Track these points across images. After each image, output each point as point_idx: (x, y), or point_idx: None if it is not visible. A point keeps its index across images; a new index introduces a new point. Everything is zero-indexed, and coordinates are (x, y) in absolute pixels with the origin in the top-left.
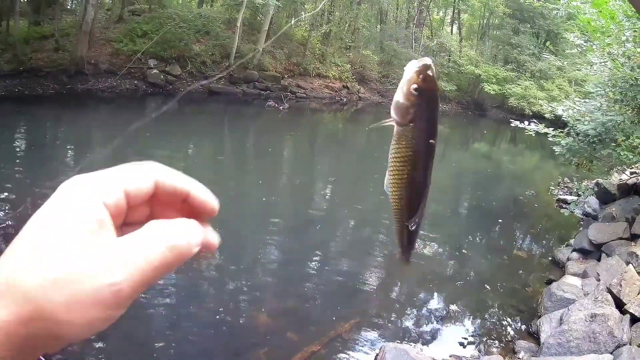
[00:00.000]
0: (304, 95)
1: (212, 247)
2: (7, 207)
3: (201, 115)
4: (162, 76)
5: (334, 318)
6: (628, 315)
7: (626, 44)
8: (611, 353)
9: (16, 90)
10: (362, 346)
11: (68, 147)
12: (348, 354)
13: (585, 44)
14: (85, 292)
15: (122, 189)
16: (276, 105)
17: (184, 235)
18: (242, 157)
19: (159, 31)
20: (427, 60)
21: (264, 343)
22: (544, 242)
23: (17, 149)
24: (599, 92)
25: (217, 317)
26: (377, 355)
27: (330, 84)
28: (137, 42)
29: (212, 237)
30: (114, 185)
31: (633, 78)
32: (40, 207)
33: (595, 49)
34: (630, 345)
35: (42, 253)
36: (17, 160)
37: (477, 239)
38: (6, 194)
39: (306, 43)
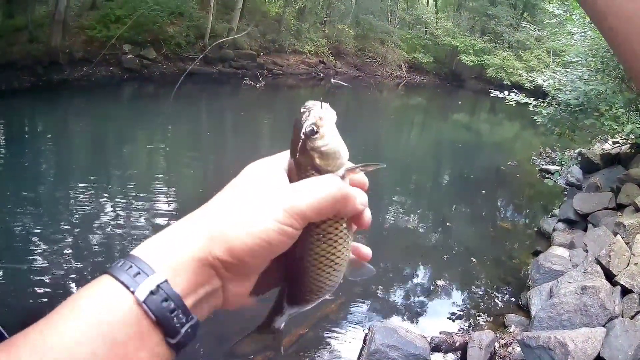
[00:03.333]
0: (281, 72)
1: (365, 222)
2: None
3: (177, 97)
4: (137, 61)
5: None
6: (619, 287)
7: None
8: (604, 326)
9: None
10: (351, 326)
11: (47, 139)
12: (336, 335)
13: (564, 13)
14: (257, 229)
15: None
16: (252, 83)
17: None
18: (220, 136)
19: (133, 15)
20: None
21: (251, 327)
22: (529, 212)
23: None
24: (580, 62)
25: None
26: (366, 335)
27: (306, 60)
28: (110, 28)
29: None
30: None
31: None
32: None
33: (575, 19)
34: (622, 317)
35: (235, 205)
36: None
37: (460, 210)
38: None
39: (281, 19)
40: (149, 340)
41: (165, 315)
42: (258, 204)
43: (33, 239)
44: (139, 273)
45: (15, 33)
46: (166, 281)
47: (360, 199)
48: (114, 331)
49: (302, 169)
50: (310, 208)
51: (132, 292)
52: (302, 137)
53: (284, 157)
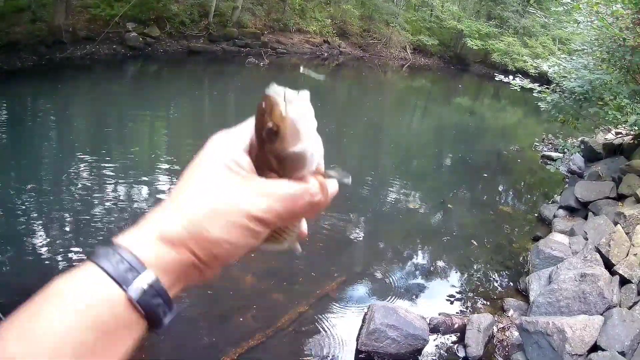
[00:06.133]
0: (285, 51)
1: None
2: None
3: (181, 75)
4: (140, 39)
5: (320, 277)
6: (617, 277)
7: (614, 5)
8: (602, 314)
9: None
10: (350, 305)
11: (49, 118)
12: (336, 314)
13: (572, 2)
14: (234, 218)
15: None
16: (256, 61)
17: (318, 184)
18: (223, 115)
19: None
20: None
21: (251, 305)
22: (530, 197)
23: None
24: (586, 51)
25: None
26: (365, 314)
27: (310, 39)
28: (114, 7)
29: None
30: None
31: (621, 38)
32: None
33: (582, 8)
34: (620, 307)
35: (204, 189)
36: None
37: (462, 193)
38: None
39: None
40: (135, 330)
41: (153, 310)
42: (230, 207)
43: (34, 219)
44: (130, 269)
45: (18, 13)
46: (157, 279)
47: (323, 205)
48: (104, 322)
49: (261, 165)
50: (280, 219)
51: (125, 290)
52: (262, 135)
53: (248, 131)
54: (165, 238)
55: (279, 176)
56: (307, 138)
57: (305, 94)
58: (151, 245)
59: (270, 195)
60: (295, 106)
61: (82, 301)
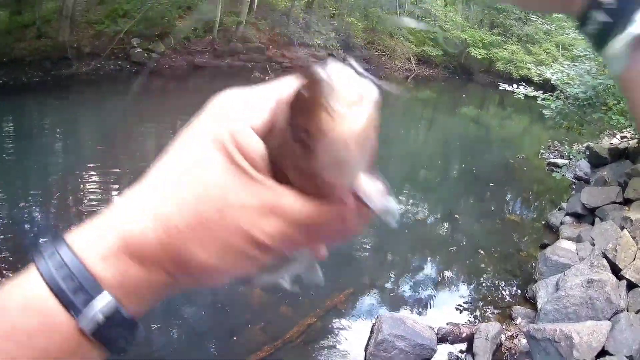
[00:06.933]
0: (290, 65)
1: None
2: None
3: (186, 90)
4: (145, 54)
5: (328, 289)
6: (625, 281)
7: None
8: (609, 319)
9: (0, 81)
10: (358, 316)
11: (55, 133)
12: (344, 325)
13: None
14: (228, 239)
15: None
16: (262, 76)
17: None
18: None
19: (141, 9)
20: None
21: (260, 319)
22: (537, 205)
23: (6, 140)
24: (588, 56)
25: (211, 295)
26: (373, 325)
27: (315, 53)
28: (119, 23)
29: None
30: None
31: None
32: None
33: None
34: (627, 312)
35: (191, 185)
36: (5, 155)
37: (469, 203)
38: None
39: (289, 13)
40: (87, 354)
41: (112, 339)
42: (225, 223)
43: (41, 233)
44: (80, 289)
45: (23, 29)
46: (117, 308)
47: (355, 232)
48: (44, 349)
49: (280, 162)
50: (293, 246)
51: (75, 318)
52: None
53: (270, 100)
54: (131, 250)
55: (300, 185)
56: (352, 164)
57: (373, 93)
58: (112, 257)
59: (286, 215)
60: (357, 114)
61: (24, 318)
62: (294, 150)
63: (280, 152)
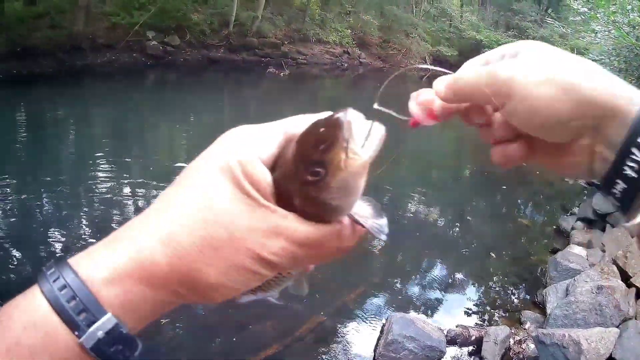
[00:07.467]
0: (305, 62)
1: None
2: (8, 191)
3: (201, 84)
4: (160, 47)
5: (339, 287)
6: (634, 289)
7: (631, 14)
8: (617, 327)
9: (14, 71)
10: (369, 316)
11: (69, 124)
12: (355, 324)
13: (589, 12)
14: (235, 259)
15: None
16: (277, 71)
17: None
18: (242, 124)
19: (156, 2)
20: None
21: (270, 315)
22: (548, 209)
23: (19, 131)
24: (603, 61)
25: None
26: (383, 325)
27: (330, 50)
28: (134, 15)
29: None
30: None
31: (638, 47)
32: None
33: (599, 17)
34: (636, 319)
35: (201, 210)
36: (18, 145)
37: (480, 205)
38: (8, 178)
39: (305, 9)
40: None
41: (111, 355)
42: (233, 244)
43: (53, 224)
44: (84, 310)
45: (37, 19)
46: (118, 325)
47: (350, 249)
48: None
49: (286, 191)
50: (295, 263)
51: (78, 336)
52: (305, 177)
53: (279, 134)
54: (141, 273)
55: (304, 209)
56: (357, 193)
57: (380, 131)
58: (118, 278)
59: (289, 236)
60: (361, 155)
61: (20, 339)
62: (304, 180)
63: (286, 181)
